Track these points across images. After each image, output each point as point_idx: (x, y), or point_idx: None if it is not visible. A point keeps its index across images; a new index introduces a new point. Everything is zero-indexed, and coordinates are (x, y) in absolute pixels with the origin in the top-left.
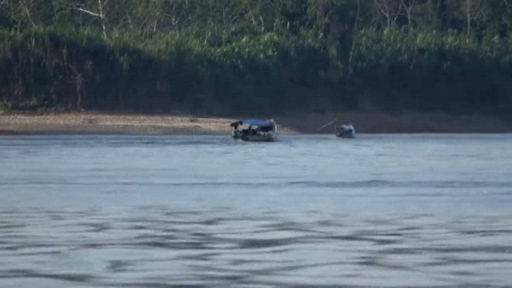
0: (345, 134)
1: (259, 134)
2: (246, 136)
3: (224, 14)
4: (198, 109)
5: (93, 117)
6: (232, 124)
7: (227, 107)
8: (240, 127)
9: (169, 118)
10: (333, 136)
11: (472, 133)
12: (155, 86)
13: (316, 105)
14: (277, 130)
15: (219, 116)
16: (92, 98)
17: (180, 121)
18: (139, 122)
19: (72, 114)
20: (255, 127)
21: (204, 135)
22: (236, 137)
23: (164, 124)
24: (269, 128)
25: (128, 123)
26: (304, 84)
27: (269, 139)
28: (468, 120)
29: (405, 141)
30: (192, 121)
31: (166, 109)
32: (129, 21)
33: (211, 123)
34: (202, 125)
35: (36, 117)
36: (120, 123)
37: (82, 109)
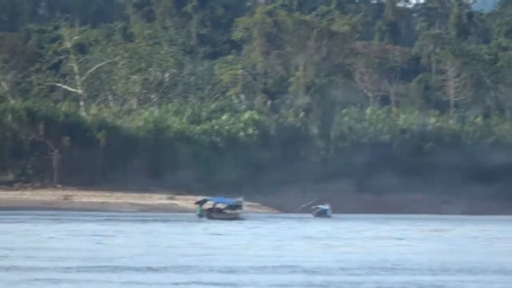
0: (322, 214)
1: (225, 213)
2: (211, 214)
3: (206, 92)
4: (176, 186)
5: (70, 193)
6: (197, 202)
7: (206, 185)
8: (206, 206)
9: (147, 195)
10: (311, 215)
11: (454, 215)
12: (132, 163)
13: (297, 184)
14: (246, 209)
15: (197, 193)
16: (69, 174)
17: (158, 199)
18: (116, 199)
19: (49, 190)
20: (222, 205)
21: (181, 213)
22: (200, 215)
23: (141, 202)
24: (236, 206)
25: (105, 200)
26: (285, 162)
27: (235, 218)
28: (448, 201)
29: (377, 221)
30: (169, 198)
31: (143, 186)
32: (109, 97)
33: (188, 201)
34: (179, 203)
35: (12, 192)
36: (97, 200)
37: (59, 185)
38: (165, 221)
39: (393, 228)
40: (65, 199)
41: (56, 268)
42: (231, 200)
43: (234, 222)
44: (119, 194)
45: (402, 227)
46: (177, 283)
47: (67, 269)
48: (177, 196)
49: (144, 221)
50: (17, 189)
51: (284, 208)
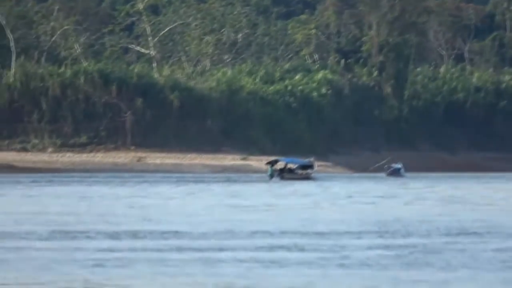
0: (394, 173)
1: (296, 173)
2: (282, 174)
3: (279, 52)
4: (249, 147)
5: (143, 155)
6: (268, 163)
7: (279, 145)
8: (277, 166)
9: (220, 156)
10: (383, 175)
11: None
12: (205, 123)
13: (370, 144)
14: (318, 168)
15: (270, 154)
16: (142, 136)
17: (231, 160)
18: (190, 160)
19: (122, 152)
20: (293, 165)
21: (254, 173)
22: (272, 175)
23: (213, 163)
24: (308, 166)
25: (178, 161)
26: (358, 122)
27: (306, 178)
28: None
29: (452, 180)
30: (243, 159)
31: (216, 147)
32: (182, 58)
33: (261, 162)
34: (252, 163)
35: (85, 155)
36: (170, 161)
37: (132, 147)
38: (235, 182)
39: (465, 186)
40: (138, 160)
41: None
42: (303, 160)
43: (305, 182)
44: (192, 155)
45: (476, 185)
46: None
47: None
48: (250, 157)
49: (218, 182)
50: (90, 151)
51: (357, 167)
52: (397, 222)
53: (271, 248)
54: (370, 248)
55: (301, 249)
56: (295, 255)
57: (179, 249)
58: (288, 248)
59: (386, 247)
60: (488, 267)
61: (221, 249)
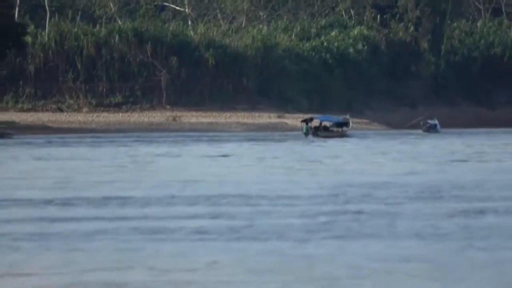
0: (431, 129)
1: (331, 131)
2: (317, 132)
3: (315, 8)
4: (285, 105)
5: (179, 114)
6: (303, 120)
7: (315, 102)
8: (312, 124)
9: (256, 114)
10: (420, 131)
11: None
12: (241, 82)
13: (407, 100)
14: (355, 126)
15: (307, 111)
16: (177, 95)
17: (267, 118)
18: (225, 119)
19: (157, 111)
20: (328, 123)
21: (290, 131)
22: (307, 133)
23: (249, 121)
24: (343, 124)
25: (213, 120)
26: (395, 78)
27: (342, 135)
28: None
29: (490, 136)
30: (279, 117)
31: (252, 105)
32: (218, 16)
33: (298, 119)
34: (288, 121)
35: (120, 114)
36: (205, 120)
37: (168, 106)
38: (269, 140)
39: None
40: (174, 120)
41: None
42: (338, 118)
43: (340, 140)
44: (228, 114)
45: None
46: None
47: None
48: (286, 115)
49: (249, 140)
50: (126, 111)
51: (393, 124)
52: (357, 187)
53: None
54: (303, 215)
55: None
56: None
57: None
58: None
59: (323, 213)
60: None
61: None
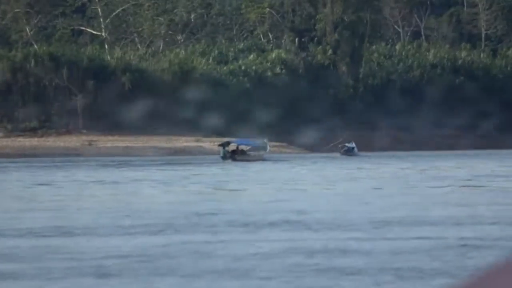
0: (348, 152)
1: (248, 154)
2: (234, 156)
3: (234, 32)
4: (202, 128)
5: (94, 138)
6: (221, 144)
7: (233, 126)
8: (229, 147)
9: (173, 138)
10: (338, 154)
11: (489, 150)
12: (158, 106)
13: (325, 123)
14: (273, 149)
15: (225, 135)
16: (94, 119)
17: (184, 142)
18: (141, 143)
19: (73, 135)
20: (245, 147)
21: (207, 155)
22: (224, 157)
23: (165, 145)
24: (260, 148)
25: (129, 144)
26: (313, 101)
27: (259, 159)
28: (483, 136)
29: (403, 159)
30: (196, 141)
31: (169, 129)
32: (136, 40)
33: (215, 143)
34: (205, 145)
35: (36, 139)
36: (121, 144)
37: (84, 131)
38: (187, 164)
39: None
40: (89, 144)
41: None
42: (255, 142)
43: (253, 164)
44: (144, 138)
45: (420, 164)
46: None
47: None
48: (204, 139)
49: (165, 164)
50: (41, 136)
51: (312, 147)
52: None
53: None
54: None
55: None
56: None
57: None
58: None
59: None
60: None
61: None
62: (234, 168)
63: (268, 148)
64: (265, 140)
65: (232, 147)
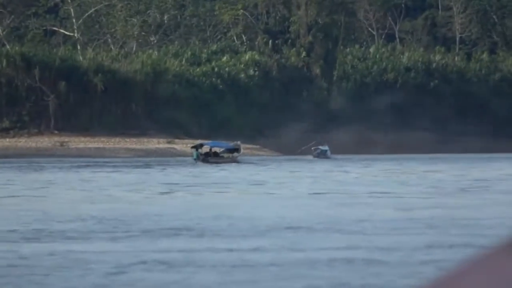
0: (321, 155)
1: (221, 157)
2: (207, 158)
3: (207, 33)
4: (175, 130)
5: (66, 139)
6: (193, 147)
7: (206, 128)
8: (202, 150)
9: (145, 140)
10: (310, 156)
11: (459, 154)
12: (130, 107)
13: (298, 126)
14: (246, 151)
15: (197, 137)
16: (66, 120)
17: (156, 143)
18: (114, 145)
19: (45, 136)
20: (218, 149)
21: (179, 157)
22: (197, 159)
23: (137, 146)
24: (233, 150)
25: (101, 145)
26: (287, 104)
27: (232, 161)
28: (455, 139)
29: (376, 161)
30: (168, 142)
31: (141, 131)
32: (109, 40)
33: (187, 145)
34: (177, 147)
35: (7, 139)
36: (93, 145)
37: (56, 131)
38: (158, 165)
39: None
40: (61, 145)
41: None
42: (228, 144)
43: (228, 166)
44: (117, 139)
45: (387, 167)
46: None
47: None
48: (176, 140)
49: (136, 166)
50: (13, 136)
51: (285, 150)
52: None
53: None
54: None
55: None
56: None
57: None
58: None
59: None
60: None
61: None
62: (195, 171)
63: (241, 150)
64: (238, 143)
65: (205, 149)
